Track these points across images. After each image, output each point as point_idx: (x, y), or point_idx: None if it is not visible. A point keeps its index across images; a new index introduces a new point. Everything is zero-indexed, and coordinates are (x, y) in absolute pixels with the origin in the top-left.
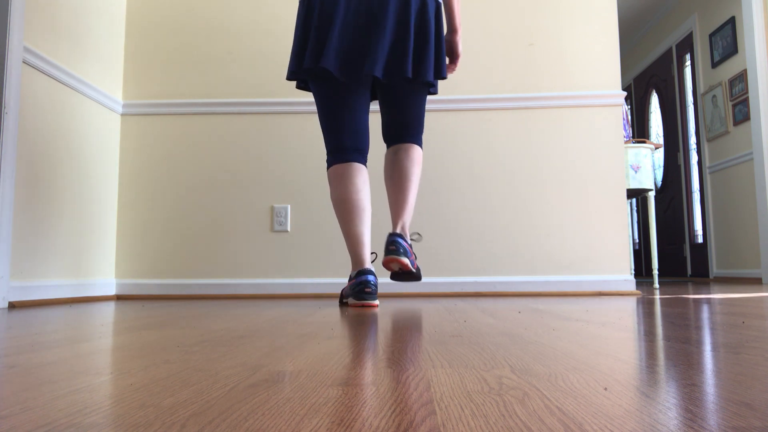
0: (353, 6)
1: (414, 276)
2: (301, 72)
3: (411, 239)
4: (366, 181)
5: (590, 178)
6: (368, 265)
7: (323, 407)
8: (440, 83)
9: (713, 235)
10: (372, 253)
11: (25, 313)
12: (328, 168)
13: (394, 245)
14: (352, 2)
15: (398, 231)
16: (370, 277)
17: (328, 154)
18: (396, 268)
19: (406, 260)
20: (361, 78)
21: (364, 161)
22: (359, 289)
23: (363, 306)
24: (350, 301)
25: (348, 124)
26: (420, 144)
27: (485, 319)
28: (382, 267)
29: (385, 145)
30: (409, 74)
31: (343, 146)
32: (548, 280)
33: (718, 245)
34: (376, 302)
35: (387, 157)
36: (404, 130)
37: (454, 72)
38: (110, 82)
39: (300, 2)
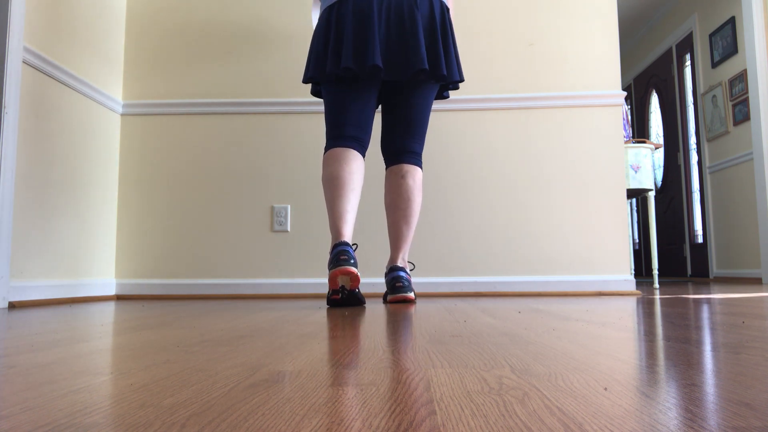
0: (384, 11)
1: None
2: (339, 71)
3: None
4: (361, 168)
5: (590, 178)
6: (346, 238)
7: (323, 407)
8: None
9: (713, 235)
10: (354, 244)
11: (25, 313)
12: (324, 153)
13: (400, 282)
14: (383, 7)
15: (400, 264)
16: (347, 247)
17: (327, 141)
18: (402, 302)
19: (412, 295)
20: (408, 76)
21: (362, 152)
22: (336, 257)
23: (341, 273)
24: (330, 272)
25: (353, 117)
26: (421, 165)
27: (485, 319)
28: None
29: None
30: (444, 71)
31: (344, 134)
32: (548, 280)
33: (718, 245)
34: (354, 269)
35: (390, 179)
36: (407, 134)
37: None
38: (110, 82)
39: (326, 8)
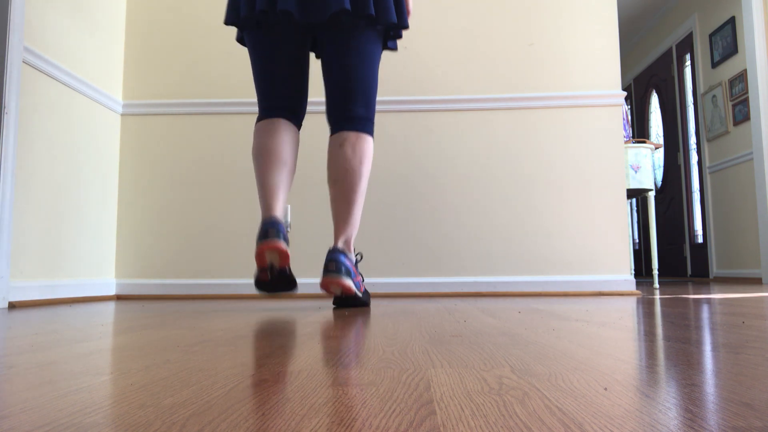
0: None
1: (360, 301)
2: (249, 17)
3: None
4: (295, 140)
5: (590, 178)
6: (277, 213)
7: (323, 407)
8: (442, 84)
9: (713, 235)
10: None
11: (25, 313)
12: (255, 125)
13: (333, 263)
14: None
15: (340, 246)
16: (276, 223)
17: (258, 113)
18: (337, 291)
19: (348, 282)
20: (326, 17)
21: (296, 123)
22: (263, 231)
23: (268, 248)
24: (256, 247)
25: (280, 80)
26: (370, 132)
27: (485, 319)
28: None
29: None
30: (371, 11)
31: (273, 104)
32: (548, 280)
33: (718, 245)
34: (282, 244)
35: (330, 149)
36: (347, 97)
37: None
38: (110, 82)
39: None
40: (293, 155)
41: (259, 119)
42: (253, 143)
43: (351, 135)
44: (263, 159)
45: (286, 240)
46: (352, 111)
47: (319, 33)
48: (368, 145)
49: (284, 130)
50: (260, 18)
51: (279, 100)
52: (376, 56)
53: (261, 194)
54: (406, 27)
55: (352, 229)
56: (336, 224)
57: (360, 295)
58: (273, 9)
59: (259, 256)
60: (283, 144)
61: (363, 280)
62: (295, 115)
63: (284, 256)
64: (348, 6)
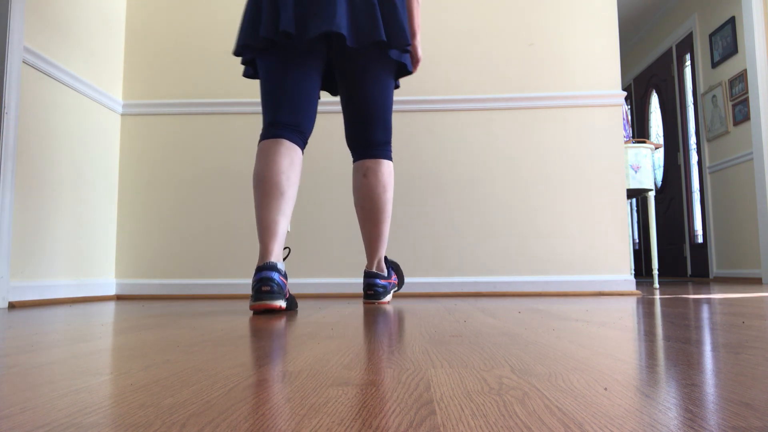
0: None
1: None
2: (256, 42)
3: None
4: (296, 163)
5: (590, 178)
6: (274, 258)
7: (323, 407)
8: (443, 84)
9: (713, 235)
10: (285, 248)
11: (25, 313)
12: (258, 143)
13: (372, 290)
14: None
15: (374, 269)
16: (272, 274)
17: (262, 130)
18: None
19: (385, 300)
20: (318, 39)
21: (300, 143)
22: (257, 287)
23: (260, 308)
24: (249, 302)
25: (289, 98)
26: (389, 156)
27: (485, 319)
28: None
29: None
30: (383, 37)
31: (279, 121)
32: (548, 280)
33: (718, 245)
34: (278, 303)
35: (355, 177)
36: (368, 127)
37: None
38: (110, 82)
39: None
40: (295, 180)
41: (262, 137)
42: (254, 167)
43: (373, 164)
44: (261, 190)
45: (282, 291)
46: (372, 138)
47: (335, 64)
48: (389, 170)
49: (286, 152)
50: (281, 40)
51: (287, 117)
52: (390, 84)
53: (258, 231)
54: (407, 50)
55: (382, 248)
56: (367, 246)
57: (396, 289)
58: (301, 31)
59: (254, 310)
60: (282, 173)
61: (393, 272)
62: (301, 133)
63: (281, 309)
64: (345, 32)
